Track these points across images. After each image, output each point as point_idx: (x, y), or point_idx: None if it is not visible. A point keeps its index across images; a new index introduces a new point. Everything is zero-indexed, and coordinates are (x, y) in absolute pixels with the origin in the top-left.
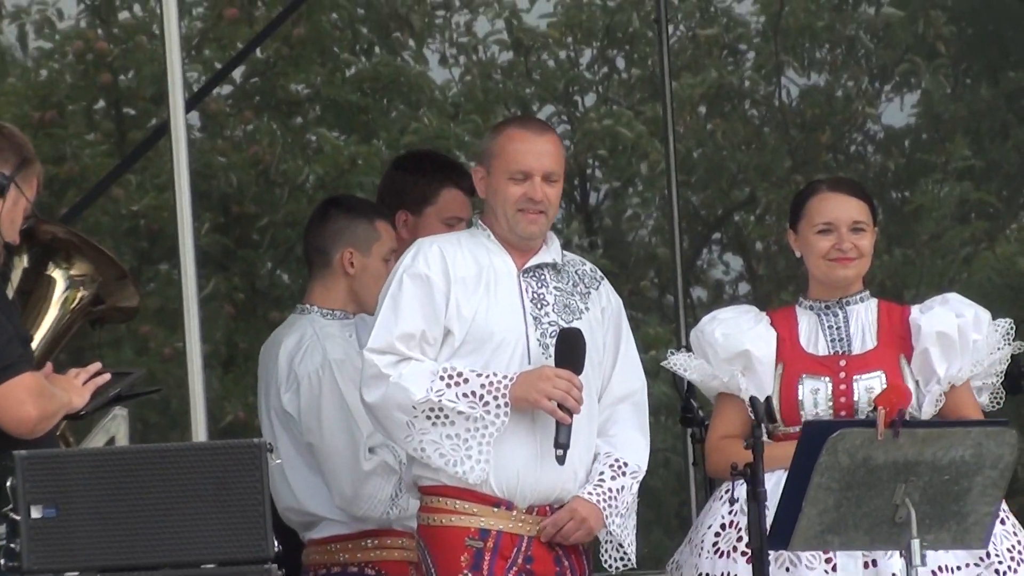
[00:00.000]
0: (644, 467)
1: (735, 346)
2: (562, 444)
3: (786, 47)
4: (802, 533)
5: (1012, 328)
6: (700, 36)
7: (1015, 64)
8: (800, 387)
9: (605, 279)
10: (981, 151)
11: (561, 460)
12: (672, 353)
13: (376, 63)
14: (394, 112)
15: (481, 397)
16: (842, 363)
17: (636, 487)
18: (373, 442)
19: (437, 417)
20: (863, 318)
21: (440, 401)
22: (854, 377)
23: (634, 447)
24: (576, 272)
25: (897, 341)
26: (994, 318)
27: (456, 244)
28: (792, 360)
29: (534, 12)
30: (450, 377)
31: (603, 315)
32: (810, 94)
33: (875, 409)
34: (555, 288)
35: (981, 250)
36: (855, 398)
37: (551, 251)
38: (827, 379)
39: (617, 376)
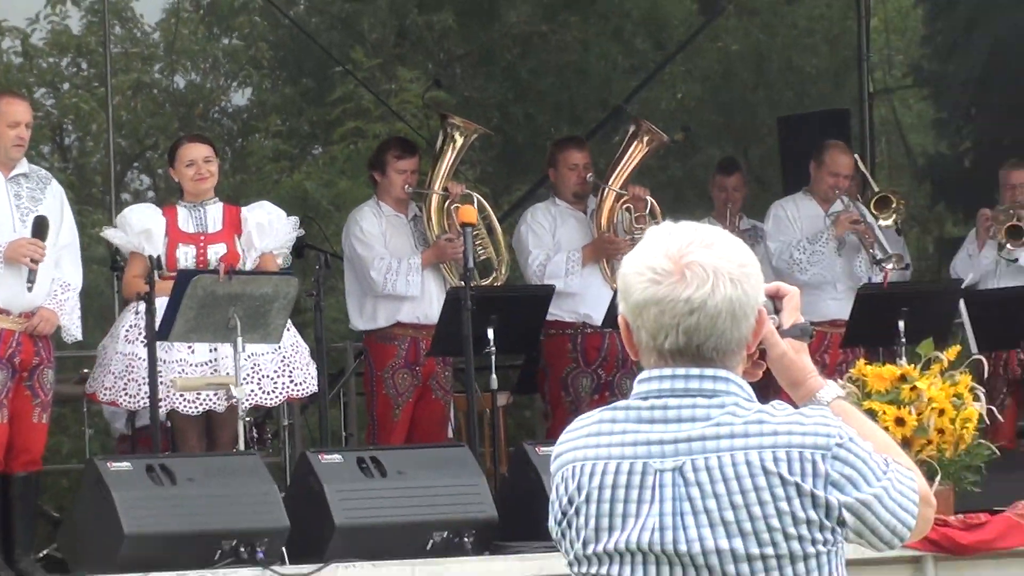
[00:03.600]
0: (80, 282)
1: (143, 224)
2: (31, 281)
3: None
4: (176, 332)
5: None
6: None
7: None
8: (177, 250)
9: (52, 177)
10: None
11: (30, 289)
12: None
13: None
14: None
15: None
16: (202, 238)
17: (76, 296)
18: None
19: None
20: (214, 214)
21: None
22: (208, 245)
23: (73, 272)
24: (36, 175)
25: (230, 227)
26: None
27: None
28: (173, 235)
29: None
30: None
31: (55, 199)
32: None
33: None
34: (27, 188)
35: None
36: (208, 257)
37: (22, 165)
38: (193, 246)
39: (62, 234)
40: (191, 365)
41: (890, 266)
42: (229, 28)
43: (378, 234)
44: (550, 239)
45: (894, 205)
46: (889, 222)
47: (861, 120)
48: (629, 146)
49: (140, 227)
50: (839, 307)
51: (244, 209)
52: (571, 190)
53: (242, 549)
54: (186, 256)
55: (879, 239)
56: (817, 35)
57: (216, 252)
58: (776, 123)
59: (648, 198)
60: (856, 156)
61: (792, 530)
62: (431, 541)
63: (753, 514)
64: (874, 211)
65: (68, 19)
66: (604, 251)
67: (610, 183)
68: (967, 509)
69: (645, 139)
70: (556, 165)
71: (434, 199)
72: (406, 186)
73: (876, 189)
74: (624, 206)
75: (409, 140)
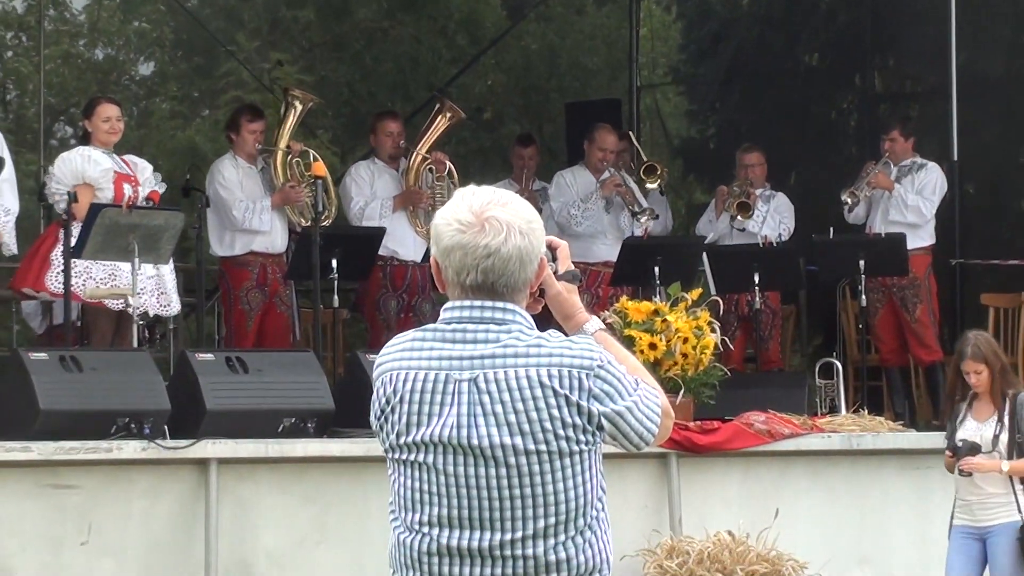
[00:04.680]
0: (17, 208)
1: (107, 164)
2: None
3: None
4: (87, 252)
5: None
6: None
7: None
8: (124, 187)
9: None
10: None
11: None
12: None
13: None
14: None
15: None
16: (132, 178)
17: (13, 220)
18: None
19: None
20: (120, 161)
21: None
22: (137, 185)
23: (12, 200)
24: None
25: (135, 172)
26: None
27: None
28: (119, 175)
29: None
30: None
31: None
32: None
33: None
34: None
35: None
36: (140, 193)
37: None
38: (131, 184)
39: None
40: (117, 275)
41: (644, 218)
42: (139, 14)
43: (236, 181)
44: (368, 189)
45: (659, 172)
46: (655, 185)
47: (630, 108)
48: (435, 120)
49: (107, 165)
50: (609, 251)
51: (129, 158)
52: (387, 152)
53: (132, 425)
54: (129, 191)
55: (637, 198)
56: (598, 40)
57: (144, 191)
58: (564, 107)
59: (447, 162)
60: (631, 132)
61: (561, 432)
62: (281, 425)
63: (531, 418)
64: (643, 176)
65: (13, 2)
66: (410, 200)
67: (418, 148)
68: (703, 417)
69: (447, 115)
70: (376, 132)
71: (279, 155)
72: (256, 144)
73: (645, 159)
74: (427, 167)
75: (257, 106)
